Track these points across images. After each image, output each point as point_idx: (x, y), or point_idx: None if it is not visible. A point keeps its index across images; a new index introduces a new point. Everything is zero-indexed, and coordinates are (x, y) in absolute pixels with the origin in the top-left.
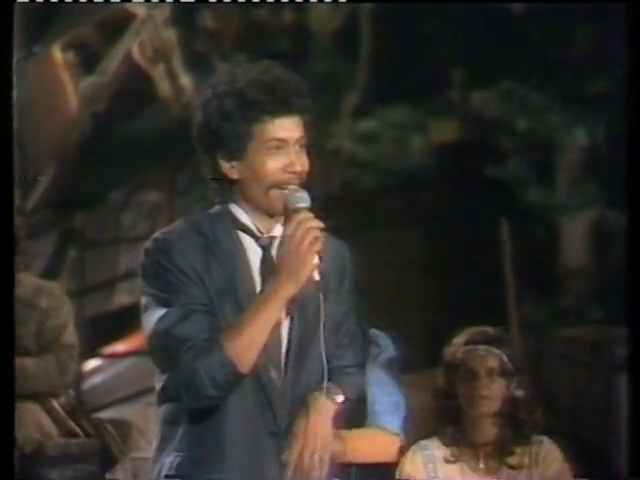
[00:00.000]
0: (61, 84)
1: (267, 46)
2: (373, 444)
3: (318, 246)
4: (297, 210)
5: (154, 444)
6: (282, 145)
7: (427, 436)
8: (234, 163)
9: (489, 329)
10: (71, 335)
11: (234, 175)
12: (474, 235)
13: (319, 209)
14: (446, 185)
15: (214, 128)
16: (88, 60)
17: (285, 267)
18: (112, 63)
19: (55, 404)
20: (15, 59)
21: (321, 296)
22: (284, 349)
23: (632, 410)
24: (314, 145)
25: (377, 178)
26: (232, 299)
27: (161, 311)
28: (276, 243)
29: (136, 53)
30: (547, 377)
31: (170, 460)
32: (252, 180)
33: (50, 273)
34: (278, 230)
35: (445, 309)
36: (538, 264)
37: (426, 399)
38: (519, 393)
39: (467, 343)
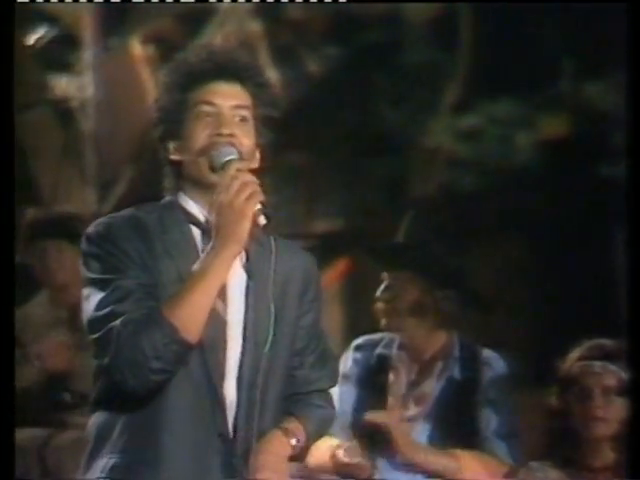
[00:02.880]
0: (140, 80)
1: (358, 37)
2: (485, 467)
3: (257, 198)
4: (225, 165)
5: (85, 453)
6: (213, 111)
7: (537, 459)
8: (176, 143)
9: (606, 342)
10: None
11: (177, 157)
12: (587, 240)
13: (417, 213)
14: (556, 186)
15: (159, 105)
16: (169, 54)
17: (224, 225)
18: None
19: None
20: (91, 54)
21: (272, 242)
22: (239, 357)
23: (632, 410)
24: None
25: (480, 179)
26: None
27: (102, 293)
28: None
29: None
30: None
31: (103, 463)
32: (188, 156)
33: None
34: None
35: (556, 320)
36: None
37: (537, 419)
38: None
39: (582, 358)
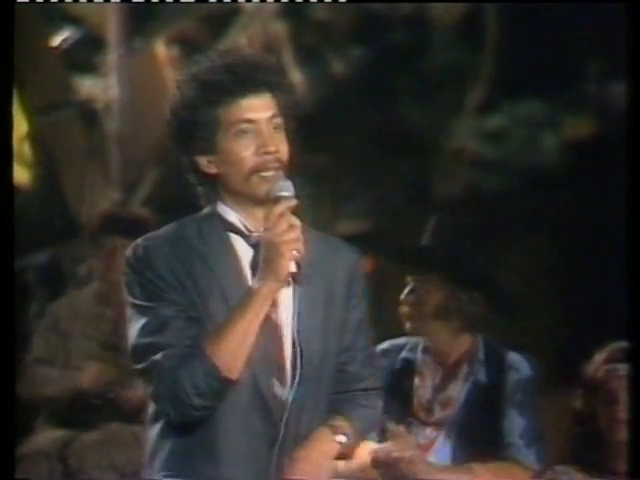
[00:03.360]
0: (164, 81)
1: (383, 38)
2: (505, 477)
3: (297, 245)
4: (279, 199)
5: (144, 461)
6: (251, 127)
7: (563, 462)
8: (210, 157)
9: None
10: None
11: (213, 170)
12: (613, 241)
13: (442, 215)
14: (581, 186)
15: (181, 121)
16: (193, 56)
17: (266, 262)
18: None
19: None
20: (115, 55)
21: (292, 289)
22: (289, 361)
23: (632, 410)
24: (296, 127)
25: (504, 180)
26: (221, 302)
27: (142, 320)
28: None
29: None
30: None
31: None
32: (230, 171)
33: None
34: None
35: (581, 323)
36: None
37: (562, 422)
38: None
39: (606, 361)
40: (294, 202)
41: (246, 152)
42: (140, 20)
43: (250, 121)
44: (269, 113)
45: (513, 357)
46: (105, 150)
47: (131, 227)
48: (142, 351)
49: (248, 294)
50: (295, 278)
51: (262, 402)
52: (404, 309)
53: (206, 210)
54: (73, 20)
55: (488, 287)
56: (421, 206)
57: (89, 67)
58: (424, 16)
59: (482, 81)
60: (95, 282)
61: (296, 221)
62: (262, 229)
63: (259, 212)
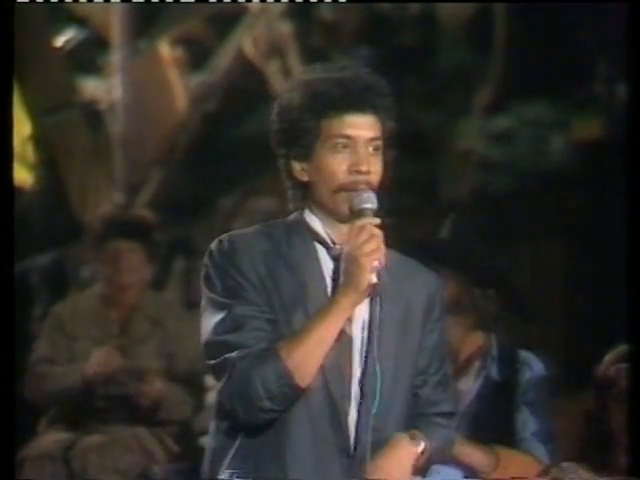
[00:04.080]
0: (169, 82)
1: (390, 39)
2: (522, 465)
3: (378, 255)
4: (362, 212)
5: (206, 457)
6: (349, 143)
7: (573, 461)
8: (304, 165)
9: None
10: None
11: (304, 177)
12: (621, 242)
13: (459, 213)
14: (590, 188)
15: (283, 124)
16: (198, 56)
17: (347, 274)
18: (223, 59)
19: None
20: (119, 56)
21: (377, 301)
22: (358, 375)
23: (632, 410)
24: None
25: (513, 181)
26: (301, 310)
27: (219, 316)
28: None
29: (249, 49)
30: None
31: (226, 478)
32: (320, 182)
33: (156, 284)
34: None
35: (593, 323)
36: None
37: (573, 422)
38: None
39: (618, 361)
40: (376, 215)
41: (339, 167)
42: (144, 21)
43: (349, 137)
44: (370, 134)
45: (526, 355)
46: (109, 151)
47: (134, 230)
48: (215, 348)
49: (328, 304)
50: (375, 289)
51: (332, 409)
52: None
53: (294, 216)
54: (77, 21)
55: (502, 285)
56: (430, 207)
57: (93, 68)
58: (432, 17)
59: (490, 82)
60: (99, 284)
61: (378, 232)
62: (345, 242)
63: (342, 226)
